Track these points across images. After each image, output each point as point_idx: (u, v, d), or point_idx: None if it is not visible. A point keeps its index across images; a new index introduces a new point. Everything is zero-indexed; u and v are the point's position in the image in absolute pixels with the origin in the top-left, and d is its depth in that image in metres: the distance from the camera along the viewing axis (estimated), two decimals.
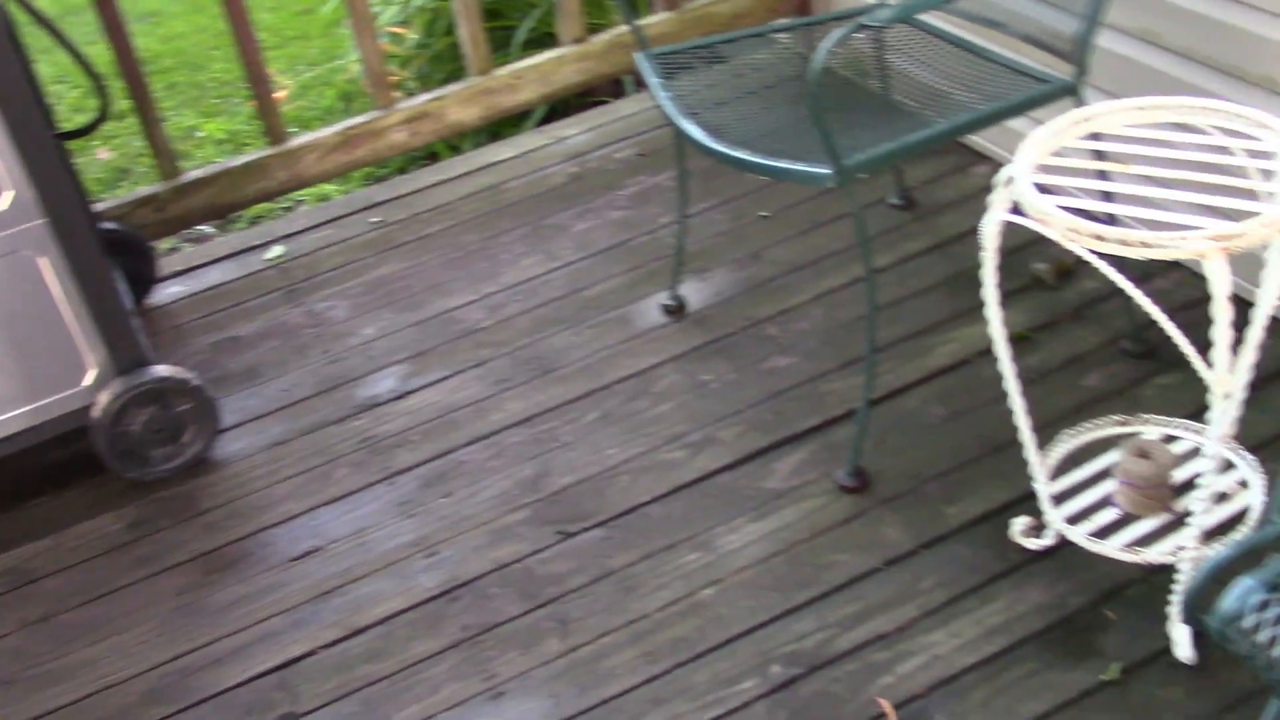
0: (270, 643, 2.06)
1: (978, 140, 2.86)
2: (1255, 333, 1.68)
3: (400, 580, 2.13)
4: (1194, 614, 1.29)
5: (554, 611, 2.04)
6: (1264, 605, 1.23)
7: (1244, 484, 1.88)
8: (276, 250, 2.98)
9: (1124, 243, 1.47)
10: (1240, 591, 1.24)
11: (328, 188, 3.55)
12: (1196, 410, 2.09)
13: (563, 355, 2.54)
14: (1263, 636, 1.21)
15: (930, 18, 2.41)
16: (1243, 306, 1.65)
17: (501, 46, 3.69)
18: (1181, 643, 1.78)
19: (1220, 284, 1.45)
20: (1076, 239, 1.52)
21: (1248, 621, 1.23)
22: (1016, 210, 1.65)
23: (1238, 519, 1.87)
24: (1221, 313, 1.46)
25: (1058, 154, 1.71)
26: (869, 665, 1.87)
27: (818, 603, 1.98)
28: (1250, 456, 1.91)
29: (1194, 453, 1.94)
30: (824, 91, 2.29)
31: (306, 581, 2.15)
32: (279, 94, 3.84)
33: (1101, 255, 1.53)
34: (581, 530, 2.17)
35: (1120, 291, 2.33)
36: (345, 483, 2.33)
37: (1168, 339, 1.55)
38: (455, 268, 2.84)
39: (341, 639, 2.05)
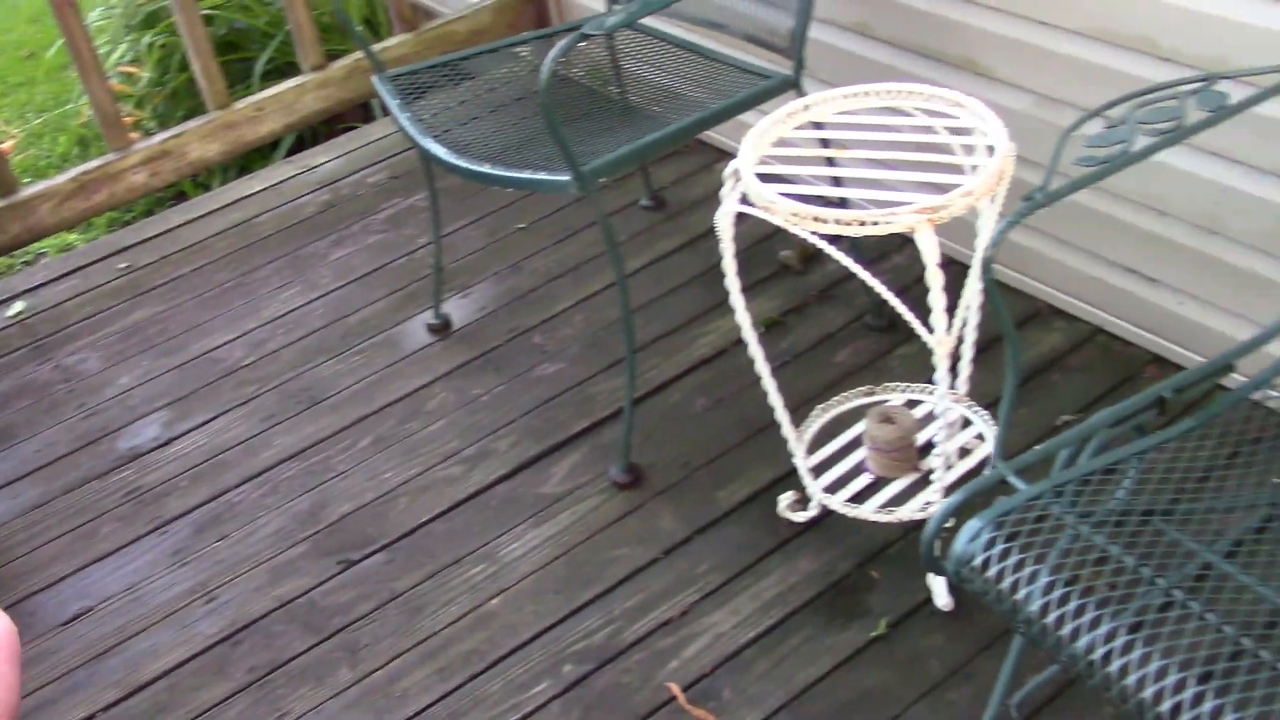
0: (45, 713, 1.98)
1: (720, 138, 2.97)
2: (971, 295, 1.81)
3: (180, 630, 2.07)
4: (934, 562, 1.38)
5: (342, 641, 2.02)
6: (992, 543, 1.33)
7: (981, 438, 2.02)
8: (18, 306, 2.86)
9: (840, 222, 1.57)
10: (968, 534, 1.34)
11: (70, 237, 3.42)
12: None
13: (331, 384, 2.52)
14: (992, 572, 1.31)
15: (659, 24, 2.49)
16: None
17: (242, 78, 3.63)
18: (939, 592, 1.90)
19: (930, 253, 1.56)
20: (799, 223, 1.61)
21: (978, 561, 1.32)
22: (747, 201, 1.74)
23: (978, 470, 2.01)
24: (934, 280, 1.57)
25: (788, 144, 1.81)
26: (656, 652, 1.93)
27: (602, 598, 2.02)
28: (984, 412, 2.05)
29: (931, 417, 2.07)
30: (565, 101, 2.35)
31: (79, 644, 2.08)
32: (6, 144, 3.68)
33: (832, 237, 1.63)
34: (364, 557, 2.16)
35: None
36: (114, 538, 2.26)
37: (912, 311, 1.65)
38: (212, 307, 2.78)
39: (123, 698, 1.99)
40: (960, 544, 1.34)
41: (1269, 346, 1.56)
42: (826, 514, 2.07)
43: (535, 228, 2.88)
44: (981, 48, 2.26)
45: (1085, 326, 2.36)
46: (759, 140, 1.76)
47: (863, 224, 1.56)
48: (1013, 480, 1.39)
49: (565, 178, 1.97)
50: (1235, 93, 1.40)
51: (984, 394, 2.20)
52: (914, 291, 1.78)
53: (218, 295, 2.81)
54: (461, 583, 2.09)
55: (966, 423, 2.06)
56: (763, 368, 1.93)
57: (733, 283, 1.85)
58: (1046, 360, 2.31)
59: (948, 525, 1.35)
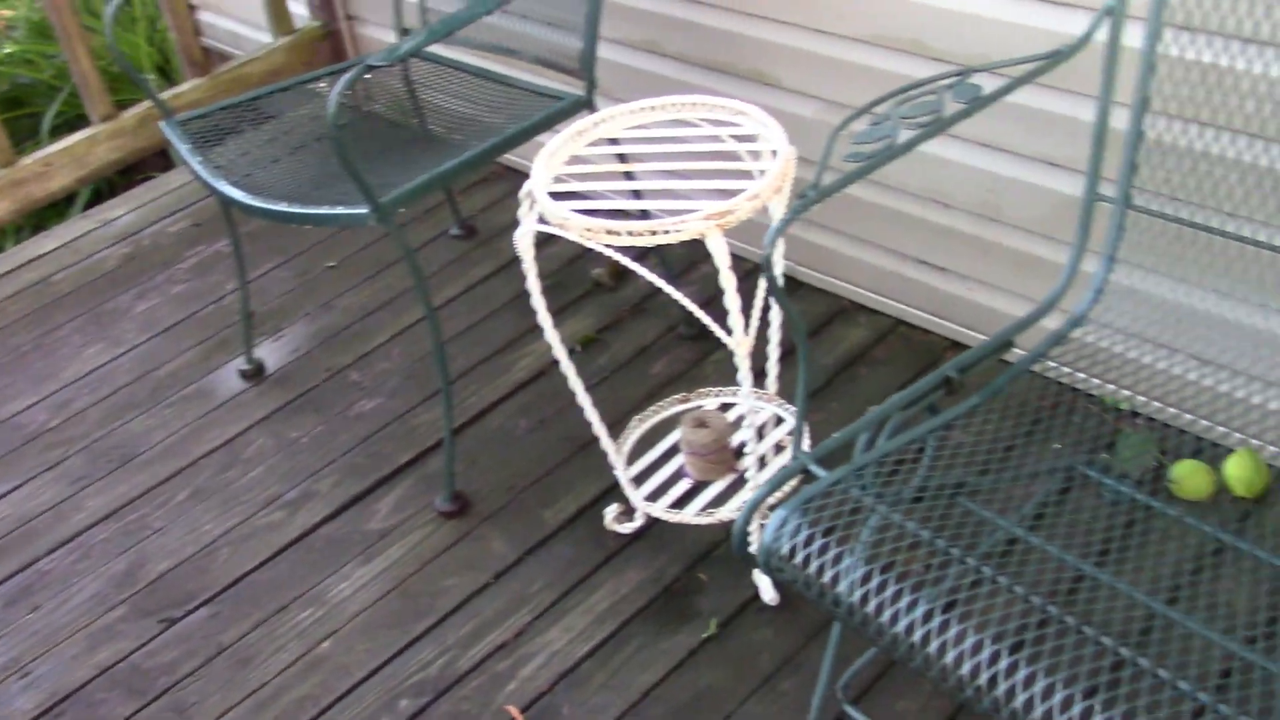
0: None
1: (526, 163, 3.00)
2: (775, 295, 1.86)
3: None
4: (747, 557, 1.42)
5: (170, 702, 1.96)
6: (798, 531, 1.37)
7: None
8: None
9: (632, 234, 1.60)
10: (774, 524, 1.38)
11: None
12: (756, 377, 2.29)
13: (143, 440, 2.45)
14: (799, 559, 1.35)
15: (454, 53, 2.50)
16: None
17: (31, 134, 3.50)
18: (765, 588, 1.95)
19: (721, 257, 1.60)
20: (593, 238, 1.63)
21: (785, 550, 1.36)
22: (544, 220, 1.75)
23: None
24: (728, 283, 1.61)
25: (585, 162, 1.84)
26: (493, 676, 1.92)
27: (436, 629, 2.01)
28: (794, 408, 2.11)
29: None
30: (366, 135, 2.34)
31: None
32: None
33: (641, 252, 1.66)
34: (186, 614, 2.09)
35: (672, 283, 2.51)
36: None
37: (719, 317, 1.69)
38: (10, 371, 2.67)
39: None
40: (767, 535, 1.37)
41: (1045, 321, 1.64)
42: (652, 523, 2.10)
43: (346, 265, 2.85)
44: (768, 59, 2.34)
45: (887, 320, 2.45)
46: (550, 160, 1.78)
47: (654, 233, 1.60)
48: (814, 468, 1.44)
49: (363, 211, 1.96)
50: (989, 84, 1.48)
51: (795, 389, 2.27)
52: (721, 299, 1.83)
53: (15, 359, 2.70)
54: (290, 629, 2.05)
55: (780, 420, 2.11)
56: (576, 385, 1.95)
57: (539, 303, 1.87)
58: (853, 355, 2.39)
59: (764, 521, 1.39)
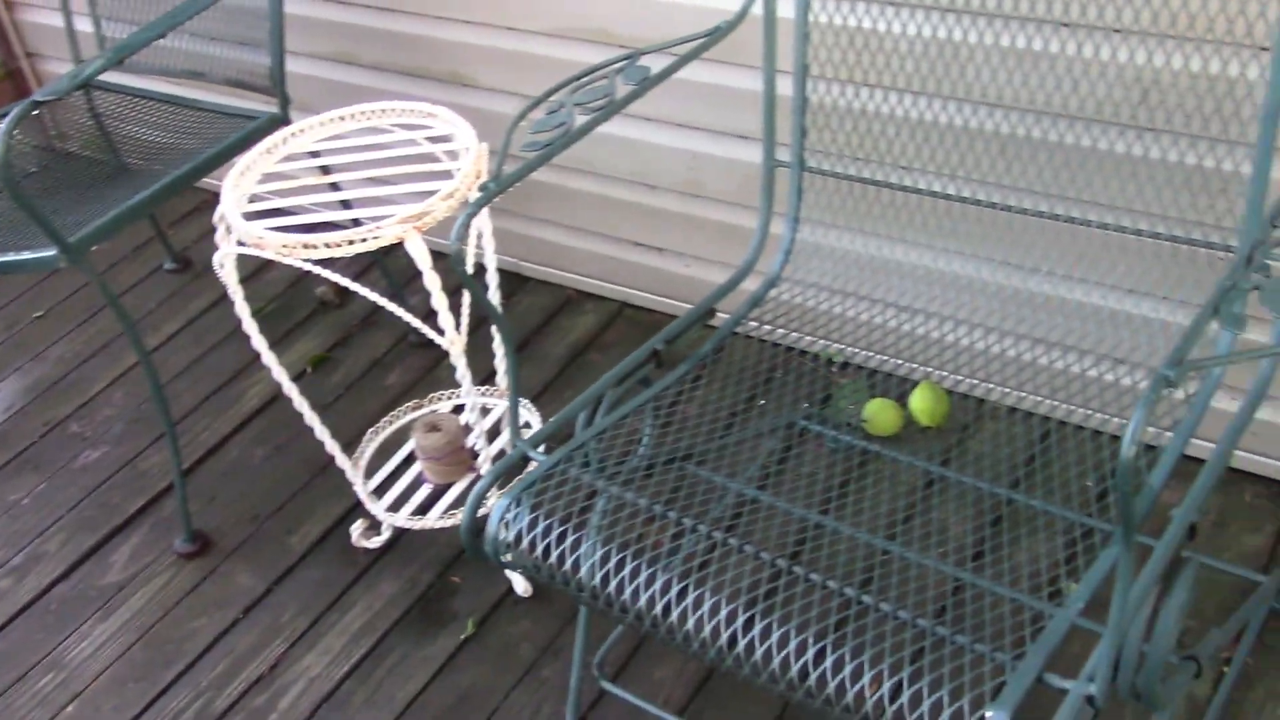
0: None
1: None
2: (493, 292, 1.88)
3: None
4: (478, 550, 1.43)
5: None
6: (524, 518, 1.39)
7: (529, 426, 2.10)
8: None
9: (330, 245, 1.59)
10: (497, 514, 1.39)
11: None
12: (489, 375, 2.31)
13: None
14: (524, 544, 1.37)
15: (141, 82, 2.41)
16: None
17: None
18: (518, 581, 1.97)
19: (422, 258, 1.60)
20: (291, 254, 1.61)
21: (511, 537, 1.38)
22: (243, 242, 1.72)
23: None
24: (432, 283, 1.62)
25: (286, 178, 1.81)
26: (252, 712, 1.88)
27: (188, 673, 1.95)
28: (527, 402, 2.14)
29: (484, 413, 2.14)
30: (62, 174, 2.24)
31: None
32: None
33: (363, 266, 1.64)
34: None
35: (397, 293, 2.50)
36: None
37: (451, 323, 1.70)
38: None
39: None
40: (490, 526, 1.39)
41: (749, 285, 1.72)
42: (401, 533, 2.09)
43: (55, 313, 2.72)
44: (463, 60, 2.35)
45: (612, 304, 2.51)
46: (240, 180, 1.75)
47: (351, 242, 1.59)
48: (532, 454, 1.46)
49: (51, 253, 1.87)
50: (659, 64, 1.53)
51: (530, 385, 2.30)
52: (453, 301, 1.84)
53: None
54: (30, 699, 1.94)
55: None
56: (303, 406, 1.92)
57: (251, 328, 1.83)
58: (583, 343, 2.43)
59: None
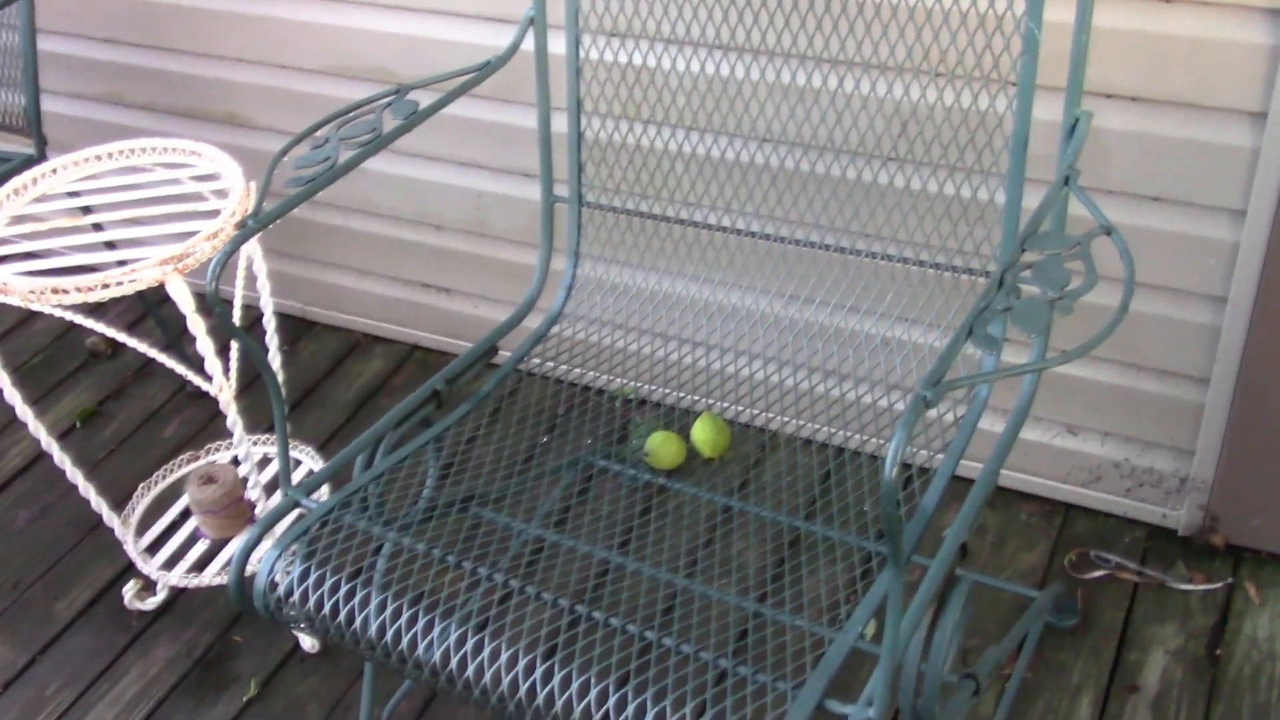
0: None
1: None
2: (270, 336, 1.80)
3: None
4: (248, 605, 1.36)
5: None
6: (296, 568, 1.32)
7: (313, 471, 2.02)
8: None
9: (81, 289, 1.50)
10: (266, 566, 1.33)
11: None
12: (274, 424, 2.22)
13: None
14: (302, 598, 1.31)
15: None
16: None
17: None
18: (304, 637, 1.89)
19: (184, 301, 1.53)
20: (39, 299, 1.52)
21: (283, 590, 1.32)
22: None
23: None
24: (197, 328, 1.55)
25: (39, 219, 1.70)
26: None
27: None
28: (311, 449, 2.06)
29: (265, 463, 2.05)
30: None
31: None
32: None
33: (134, 317, 1.55)
34: None
35: (173, 342, 2.39)
36: None
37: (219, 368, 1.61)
38: None
39: None
40: (260, 577, 1.32)
41: (528, 322, 1.69)
42: (179, 594, 1.98)
43: None
44: (238, 100, 2.27)
45: (402, 347, 2.45)
46: None
47: (106, 285, 1.51)
48: (304, 501, 1.40)
49: None
50: (429, 99, 1.50)
51: (317, 431, 2.22)
52: (227, 345, 1.76)
53: None
54: None
55: (298, 463, 2.05)
56: (63, 463, 1.81)
57: (3, 379, 1.71)
58: (372, 387, 2.37)
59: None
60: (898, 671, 1.16)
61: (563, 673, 1.22)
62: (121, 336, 1.51)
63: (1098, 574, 1.88)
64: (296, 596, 1.31)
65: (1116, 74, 1.57)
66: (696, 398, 1.65)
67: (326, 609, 1.30)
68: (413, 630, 1.26)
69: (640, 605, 1.77)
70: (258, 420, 2.26)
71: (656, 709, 1.15)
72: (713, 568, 1.92)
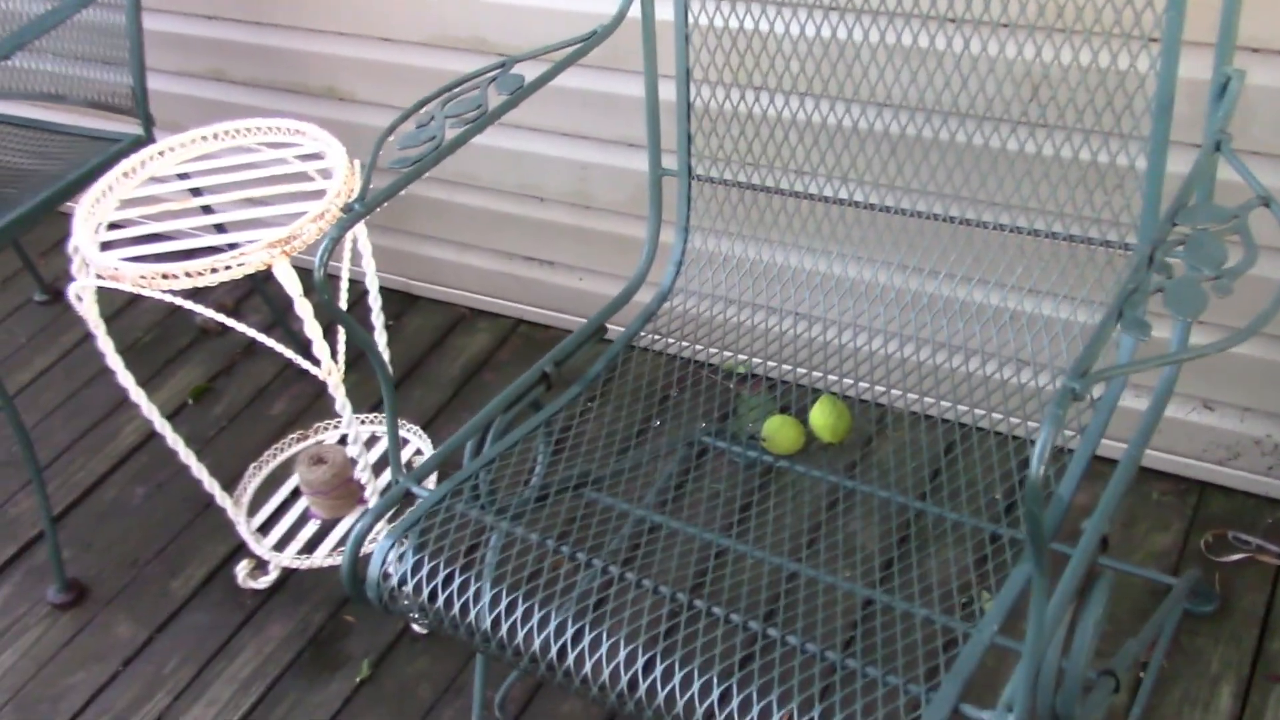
0: None
1: None
2: (375, 314, 1.78)
3: None
4: (360, 592, 1.34)
5: None
6: (406, 558, 1.30)
7: (420, 454, 2.01)
8: None
9: (191, 274, 1.49)
10: (379, 555, 1.31)
11: None
12: (379, 401, 2.21)
13: None
14: (416, 589, 1.29)
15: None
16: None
17: None
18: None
19: (291, 285, 1.51)
20: (150, 285, 1.51)
21: (396, 581, 1.30)
22: (101, 275, 1.61)
23: None
24: (305, 311, 1.53)
25: (157, 201, 1.70)
26: None
27: None
28: (417, 428, 2.04)
29: (371, 442, 2.04)
30: None
31: None
32: None
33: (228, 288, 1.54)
34: None
35: (279, 320, 2.39)
36: None
37: (331, 348, 1.60)
38: None
39: None
40: (372, 569, 1.30)
41: (638, 298, 1.64)
42: (291, 573, 1.98)
43: None
44: (339, 74, 2.25)
45: (507, 321, 2.43)
46: (95, 206, 1.64)
47: (215, 270, 1.49)
48: (416, 489, 1.38)
49: None
50: (533, 72, 1.46)
51: (422, 409, 2.20)
52: (334, 325, 1.75)
53: None
54: None
55: (405, 442, 2.04)
56: (177, 444, 1.81)
57: (116, 363, 1.72)
58: (477, 362, 2.35)
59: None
60: (1037, 672, 1.09)
61: (665, 664, 1.18)
62: (229, 321, 1.50)
63: (1236, 557, 1.78)
64: (410, 587, 1.29)
65: (1264, 26, 1.46)
66: (814, 373, 1.59)
67: (440, 600, 1.27)
68: (512, 618, 1.23)
69: (746, 594, 1.72)
70: (364, 398, 2.25)
71: (762, 703, 1.11)
72: (823, 552, 1.86)
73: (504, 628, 1.24)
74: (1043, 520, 0.94)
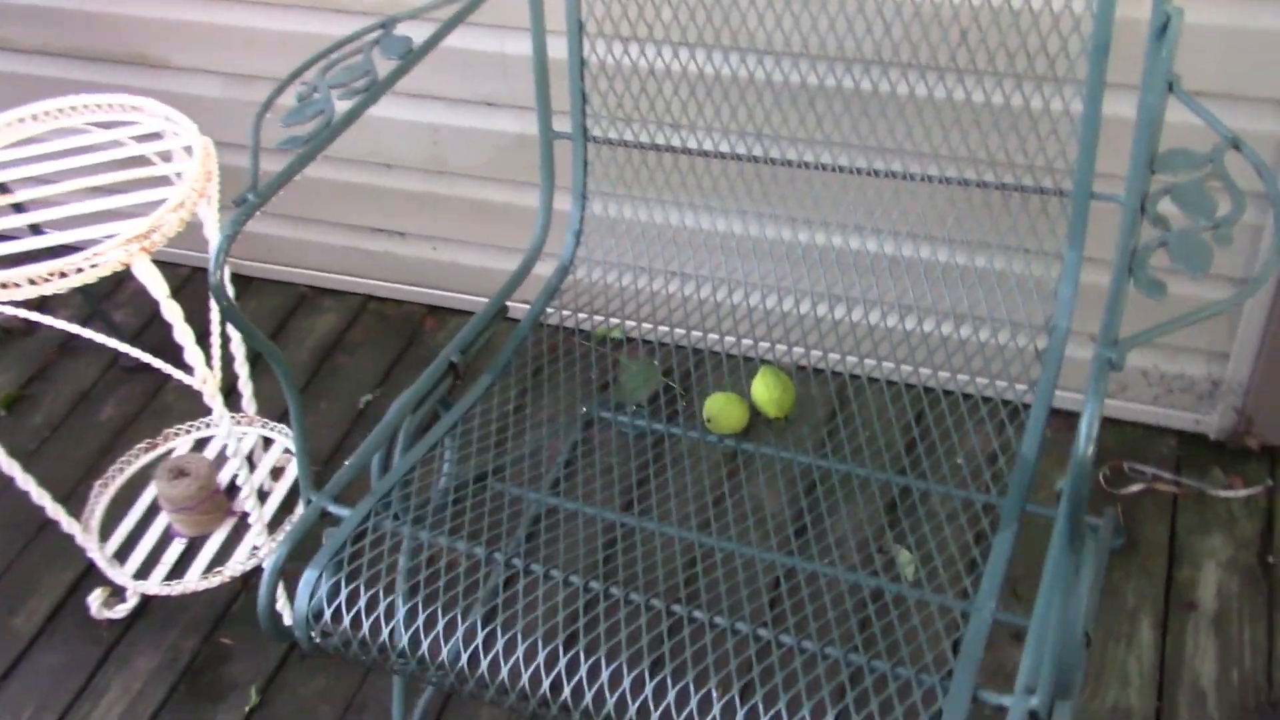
0: None
1: None
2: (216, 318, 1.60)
3: None
4: (283, 633, 1.20)
5: None
6: (334, 587, 1.17)
7: (290, 452, 1.84)
8: None
9: (35, 281, 1.29)
10: (306, 589, 1.16)
11: None
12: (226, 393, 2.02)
13: None
14: (345, 621, 1.15)
15: None
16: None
17: None
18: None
19: (156, 286, 1.33)
20: None
21: (330, 615, 1.16)
22: None
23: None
24: (173, 314, 1.35)
25: None
26: None
27: None
28: (283, 426, 1.87)
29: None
30: None
31: None
32: None
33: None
34: None
35: (95, 311, 2.15)
36: None
37: (164, 343, 1.41)
38: None
39: None
40: (299, 607, 1.16)
41: (536, 270, 1.52)
42: (150, 596, 1.79)
43: None
44: (151, 37, 2.02)
45: (355, 298, 2.26)
46: None
47: (64, 274, 1.30)
48: (334, 509, 1.23)
49: None
50: (417, 32, 1.31)
51: (274, 399, 2.03)
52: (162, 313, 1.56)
53: None
54: None
55: (270, 442, 1.87)
56: (3, 460, 1.59)
57: None
58: (328, 344, 2.17)
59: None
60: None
61: (571, 652, 1.09)
62: (37, 316, 1.30)
63: (1135, 488, 1.81)
64: (348, 621, 1.15)
65: None
66: (743, 341, 1.51)
67: (366, 628, 1.14)
68: (422, 628, 1.12)
69: (659, 568, 1.65)
70: (196, 395, 2.05)
71: (701, 693, 1.03)
72: (742, 517, 1.80)
73: (424, 644, 1.13)
74: (1084, 500, 0.89)
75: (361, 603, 1.15)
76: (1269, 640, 1.62)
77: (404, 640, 1.14)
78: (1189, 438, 1.87)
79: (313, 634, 1.17)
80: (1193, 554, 1.72)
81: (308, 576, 1.16)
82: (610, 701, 1.06)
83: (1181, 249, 0.96)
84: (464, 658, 1.12)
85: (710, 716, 1.03)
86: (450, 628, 1.13)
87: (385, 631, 1.13)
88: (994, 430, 1.35)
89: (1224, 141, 1.08)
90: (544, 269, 1.55)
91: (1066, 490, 0.88)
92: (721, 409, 1.46)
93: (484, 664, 1.11)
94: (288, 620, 1.19)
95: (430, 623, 1.14)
